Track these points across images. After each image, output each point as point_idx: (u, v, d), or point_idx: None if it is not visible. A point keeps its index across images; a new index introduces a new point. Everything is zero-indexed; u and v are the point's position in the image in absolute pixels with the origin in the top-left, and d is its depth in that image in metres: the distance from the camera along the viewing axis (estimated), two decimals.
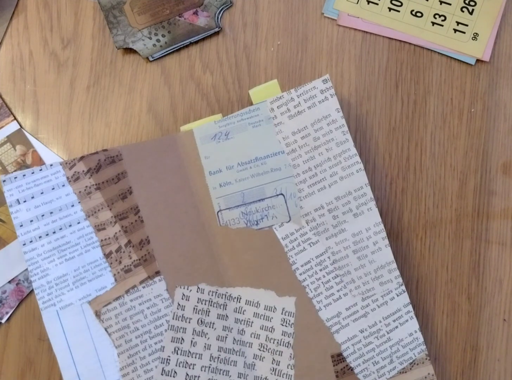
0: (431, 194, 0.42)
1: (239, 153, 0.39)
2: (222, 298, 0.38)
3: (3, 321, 0.40)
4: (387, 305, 0.38)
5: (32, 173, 0.36)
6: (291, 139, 0.39)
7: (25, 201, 0.37)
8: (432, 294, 0.41)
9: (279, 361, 0.37)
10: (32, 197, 0.38)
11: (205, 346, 0.37)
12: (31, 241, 0.37)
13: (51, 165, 0.36)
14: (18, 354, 0.40)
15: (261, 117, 0.39)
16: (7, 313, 0.40)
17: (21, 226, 0.36)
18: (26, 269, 0.40)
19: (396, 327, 0.38)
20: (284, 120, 0.39)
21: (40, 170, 0.36)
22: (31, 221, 0.37)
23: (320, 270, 0.38)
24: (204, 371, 0.37)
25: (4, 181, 0.36)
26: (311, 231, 0.38)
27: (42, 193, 0.37)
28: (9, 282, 0.40)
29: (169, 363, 0.36)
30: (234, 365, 0.37)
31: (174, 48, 0.42)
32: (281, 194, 0.39)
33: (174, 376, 0.36)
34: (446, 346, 0.41)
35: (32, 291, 0.40)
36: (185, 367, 0.36)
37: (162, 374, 0.36)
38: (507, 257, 0.41)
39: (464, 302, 0.41)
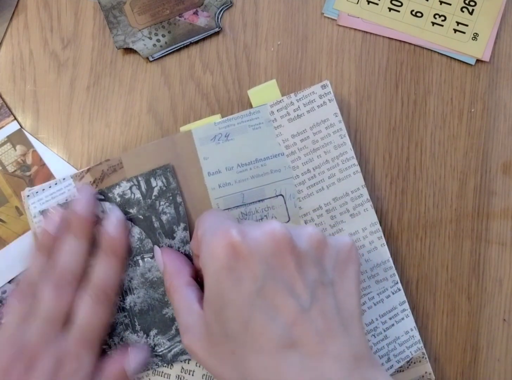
0: (431, 194, 0.43)
1: (239, 154, 0.41)
2: None
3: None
4: (383, 303, 0.40)
5: (49, 187, 0.41)
6: (290, 141, 0.41)
7: None
8: (432, 294, 0.43)
9: None
10: None
11: None
12: None
13: (63, 178, 0.41)
14: None
15: (261, 120, 0.41)
16: None
17: None
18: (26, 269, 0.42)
19: (392, 325, 0.40)
20: (284, 123, 0.41)
21: (56, 184, 0.41)
22: None
23: None
24: None
25: (28, 195, 0.41)
26: None
27: (58, 204, 0.41)
28: (9, 282, 0.42)
29: None
30: None
31: (174, 48, 0.44)
32: (281, 195, 0.40)
33: None
34: (446, 346, 0.42)
35: None
36: None
37: None
38: (507, 257, 0.43)
39: (464, 302, 0.43)
